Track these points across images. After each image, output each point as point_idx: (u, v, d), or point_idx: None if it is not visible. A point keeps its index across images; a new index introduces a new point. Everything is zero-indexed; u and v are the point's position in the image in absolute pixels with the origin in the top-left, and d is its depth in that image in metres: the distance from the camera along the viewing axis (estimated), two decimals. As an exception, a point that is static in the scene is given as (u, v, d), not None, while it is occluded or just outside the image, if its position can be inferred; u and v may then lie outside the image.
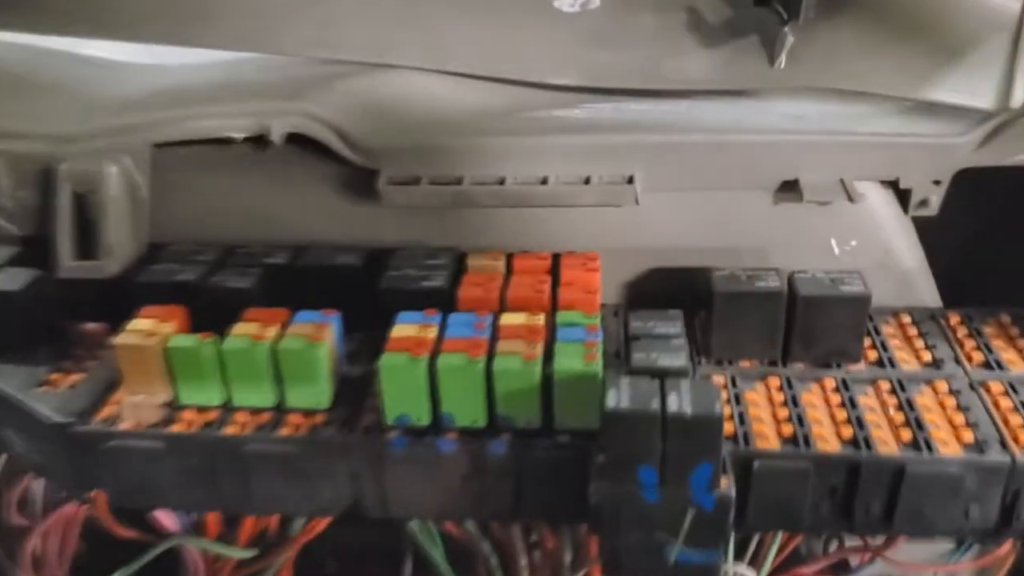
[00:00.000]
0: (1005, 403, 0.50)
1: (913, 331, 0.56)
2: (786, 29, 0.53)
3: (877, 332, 0.55)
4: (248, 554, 0.57)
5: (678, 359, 0.47)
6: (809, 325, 0.52)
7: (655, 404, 0.43)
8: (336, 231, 0.58)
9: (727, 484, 0.44)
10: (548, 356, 0.48)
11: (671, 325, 0.50)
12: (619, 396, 0.44)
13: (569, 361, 0.47)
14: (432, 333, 0.50)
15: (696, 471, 0.43)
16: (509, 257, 0.57)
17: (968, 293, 0.58)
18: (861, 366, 0.53)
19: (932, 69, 0.54)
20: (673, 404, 0.43)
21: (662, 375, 0.45)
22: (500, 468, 0.48)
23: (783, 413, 0.49)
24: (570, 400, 0.47)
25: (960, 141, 0.54)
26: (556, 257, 0.57)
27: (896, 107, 0.54)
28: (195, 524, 0.58)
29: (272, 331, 0.50)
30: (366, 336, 0.56)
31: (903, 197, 0.56)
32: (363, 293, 0.55)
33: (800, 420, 0.49)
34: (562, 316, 0.51)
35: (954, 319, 0.56)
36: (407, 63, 0.59)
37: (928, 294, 0.58)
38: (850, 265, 0.57)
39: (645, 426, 0.43)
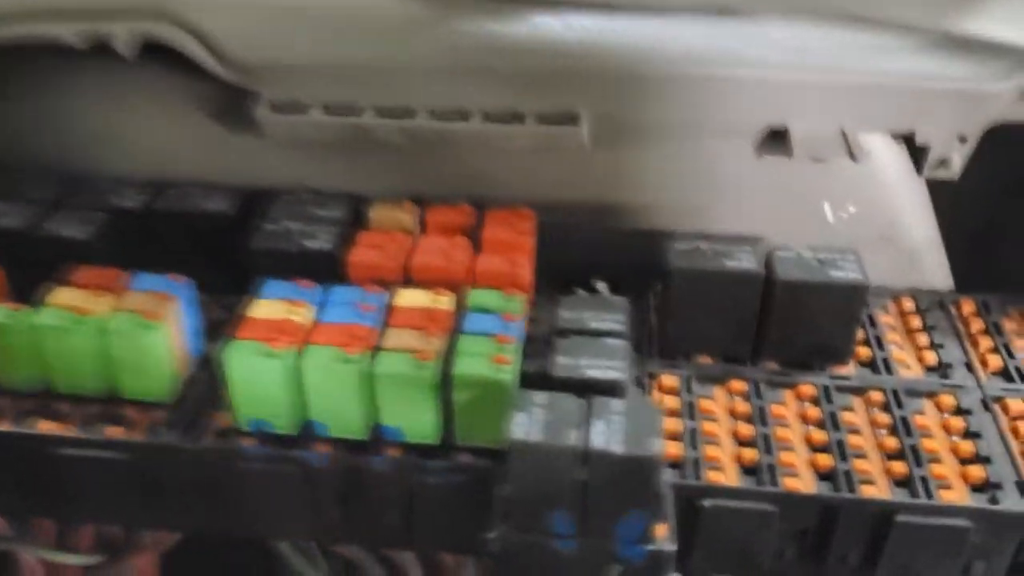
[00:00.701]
0: (1025, 427, 0.39)
1: (916, 322, 0.45)
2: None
3: (872, 322, 0.45)
4: (88, 560, 0.47)
5: (612, 369, 0.36)
6: (788, 317, 0.41)
7: (574, 436, 0.32)
8: (203, 167, 0.47)
9: (664, 534, 0.34)
10: (451, 354, 0.37)
11: (612, 318, 0.39)
12: (529, 422, 0.33)
13: (472, 363, 0.36)
14: (304, 315, 0.39)
15: (624, 520, 0.33)
16: (423, 209, 0.45)
17: (987, 276, 0.47)
18: (849, 368, 0.42)
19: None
20: (598, 437, 0.32)
21: (590, 390, 0.35)
22: (384, 490, 0.38)
23: (746, 431, 0.39)
24: (473, 412, 0.37)
25: (996, 88, 0.42)
26: (480, 210, 0.45)
27: (918, 41, 0.42)
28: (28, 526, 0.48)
29: (103, 302, 0.39)
30: (238, 301, 0.45)
31: (917, 155, 0.44)
32: (234, 247, 0.44)
33: (767, 444, 0.38)
34: (475, 298, 0.40)
35: (967, 307, 0.46)
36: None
37: (938, 274, 0.47)
38: (846, 235, 0.46)
39: (560, 463, 0.32)
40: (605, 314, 0.39)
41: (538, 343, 0.42)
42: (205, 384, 0.40)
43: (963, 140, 0.43)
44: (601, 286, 0.47)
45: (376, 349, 0.37)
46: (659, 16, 0.43)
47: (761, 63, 0.42)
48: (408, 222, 0.45)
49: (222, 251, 0.45)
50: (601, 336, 0.38)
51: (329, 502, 0.39)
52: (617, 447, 0.32)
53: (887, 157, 0.45)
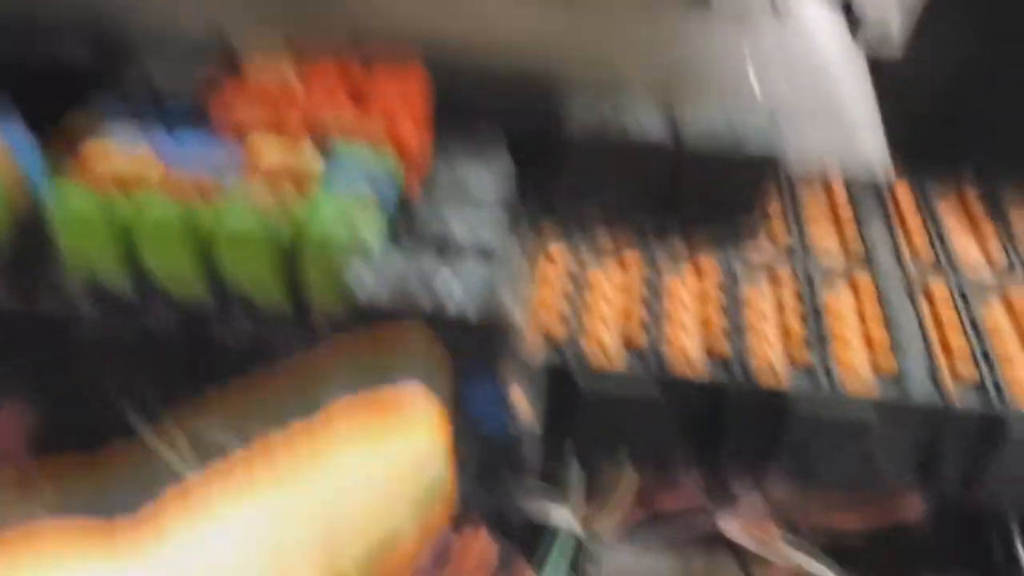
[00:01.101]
0: (948, 316, 0.36)
1: (843, 204, 0.41)
2: None
3: (793, 201, 0.41)
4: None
5: (482, 229, 0.32)
6: (694, 189, 0.37)
7: (422, 295, 0.29)
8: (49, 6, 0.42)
9: (530, 415, 0.31)
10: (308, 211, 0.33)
11: (488, 172, 0.35)
12: (367, 274, 0.29)
13: (327, 216, 0.32)
14: (148, 164, 0.34)
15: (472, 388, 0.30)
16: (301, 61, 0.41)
17: (931, 158, 0.43)
18: (762, 249, 0.38)
19: None
20: (444, 292, 0.29)
21: (450, 250, 0.31)
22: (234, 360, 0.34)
23: (636, 311, 0.35)
24: (328, 277, 0.33)
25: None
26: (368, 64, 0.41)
27: None
28: None
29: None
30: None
31: (856, 25, 0.40)
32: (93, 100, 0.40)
33: (656, 323, 0.35)
34: (343, 152, 0.36)
35: (901, 190, 0.42)
36: None
37: (873, 155, 0.43)
38: (772, 103, 0.41)
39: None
40: (481, 165, 0.35)
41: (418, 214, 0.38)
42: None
43: (904, 11, 0.39)
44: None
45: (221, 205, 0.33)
46: None
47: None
48: (285, 76, 0.40)
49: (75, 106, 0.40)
50: (476, 192, 0.34)
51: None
52: (464, 302, 0.28)
53: (821, 19, 0.40)
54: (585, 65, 0.41)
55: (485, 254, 0.31)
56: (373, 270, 0.30)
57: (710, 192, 0.37)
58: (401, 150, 0.37)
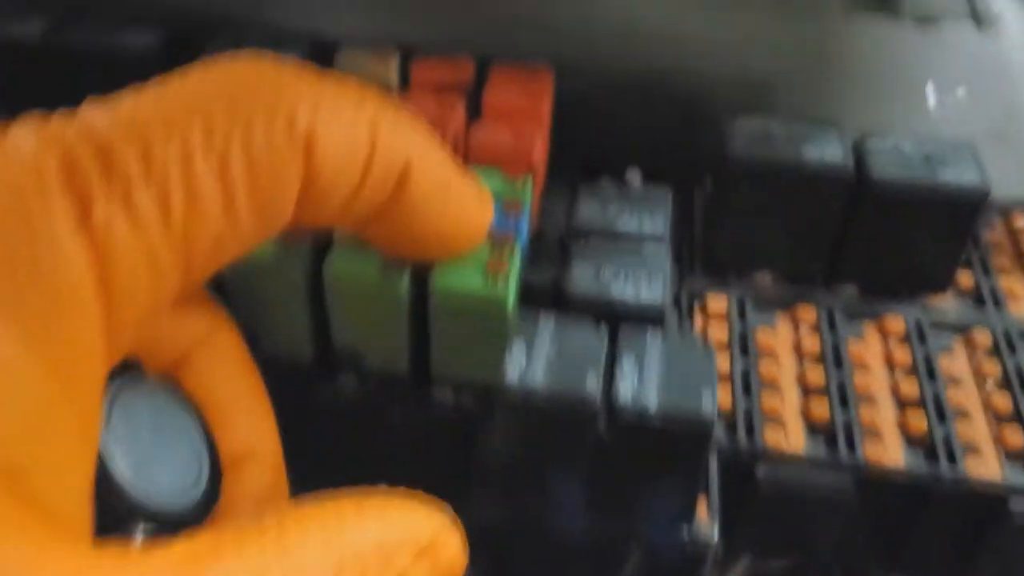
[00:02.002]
0: None
1: (1031, 243, 0.35)
2: None
3: (976, 242, 0.35)
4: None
5: (650, 288, 0.26)
6: (881, 227, 0.31)
7: (592, 385, 0.23)
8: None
9: (707, 518, 0.25)
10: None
11: (649, 214, 0.29)
12: (529, 359, 0.24)
13: (459, 273, 0.26)
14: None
15: (656, 497, 0.24)
16: (405, 59, 0.35)
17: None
18: (947, 299, 0.33)
19: None
20: (625, 385, 0.23)
21: (616, 317, 0.25)
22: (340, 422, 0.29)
23: (816, 377, 0.29)
24: (457, 337, 0.27)
25: None
26: (483, 66, 0.35)
27: None
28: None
29: None
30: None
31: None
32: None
33: (843, 394, 0.29)
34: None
35: (1097, 229, 0.36)
36: None
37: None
38: (950, 123, 0.35)
39: (570, 418, 0.23)
40: (641, 210, 0.29)
41: (548, 245, 0.32)
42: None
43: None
44: (634, 175, 0.37)
45: (327, 242, 0.27)
46: None
47: None
48: (387, 75, 0.35)
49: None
50: (633, 241, 0.28)
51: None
52: (651, 399, 0.23)
53: (1016, 27, 0.34)
54: (745, 76, 0.35)
55: (655, 317, 0.26)
56: (522, 341, 0.24)
57: (901, 231, 0.31)
58: (525, 169, 0.31)
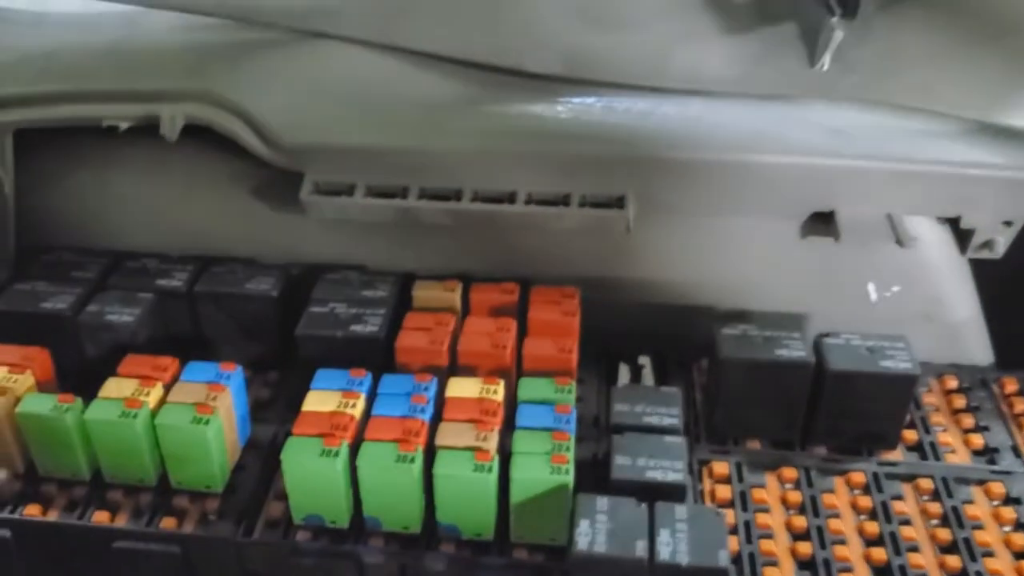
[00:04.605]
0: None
1: (960, 402, 0.45)
2: (834, 20, 0.41)
3: (917, 403, 0.45)
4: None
5: (673, 471, 0.36)
6: (839, 405, 0.41)
7: (640, 547, 0.32)
8: (248, 246, 0.47)
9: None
10: (505, 453, 0.37)
11: (666, 410, 0.39)
12: (592, 531, 0.33)
13: (531, 467, 0.36)
14: (357, 407, 0.38)
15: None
16: (466, 287, 0.45)
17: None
18: (897, 454, 0.42)
19: (1010, 84, 0.42)
20: (664, 548, 0.32)
21: (650, 494, 0.35)
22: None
23: (799, 523, 0.39)
24: (530, 512, 0.36)
25: (1044, 176, 0.42)
26: (525, 287, 0.45)
27: (963, 128, 0.42)
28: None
29: (153, 393, 0.39)
30: (282, 378, 0.46)
31: (962, 236, 0.44)
32: (280, 323, 0.45)
33: (821, 537, 0.38)
34: (526, 387, 0.40)
35: (1010, 386, 0.46)
36: (345, 33, 0.46)
37: (979, 350, 0.47)
38: (889, 314, 0.46)
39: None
40: (660, 407, 0.39)
41: (586, 425, 0.42)
42: (255, 471, 0.41)
43: (1008, 224, 0.43)
44: (644, 360, 0.47)
45: (433, 447, 0.37)
46: (706, 100, 0.44)
47: (808, 149, 0.42)
48: (453, 301, 0.45)
49: (266, 330, 0.45)
50: (657, 433, 0.38)
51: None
52: (683, 558, 0.32)
53: (932, 238, 0.45)
54: (726, 291, 0.45)
55: (680, 494, 0.35)
56: (585, 517, 0.34)
57: (854, 406, 0.41)
58: (565, 372, 0.41)
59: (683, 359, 0.47)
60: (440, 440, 0.37)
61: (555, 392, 0.40)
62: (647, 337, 0.47)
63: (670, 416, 0.38)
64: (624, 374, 0.47)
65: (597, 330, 0.45)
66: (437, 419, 0.38)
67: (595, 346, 0.46)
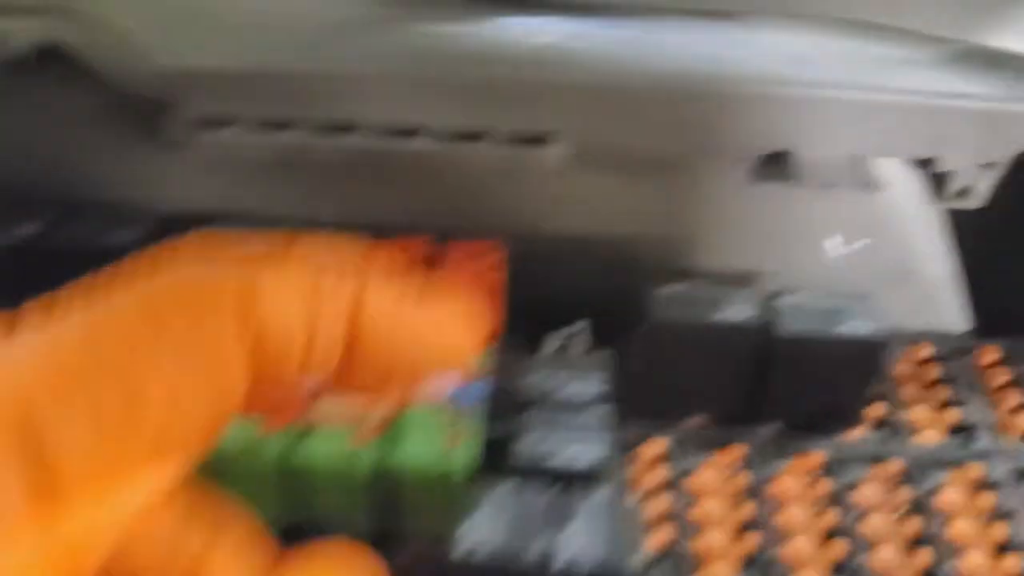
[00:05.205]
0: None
1: (933, 372, 0.39)
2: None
3: (885, 375, 0.39)
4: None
5: (592, 452, 0.30)
6: (792, 375, 0.35)
7: (536, 550, 0.26)
8: (114, 189, 0.40)
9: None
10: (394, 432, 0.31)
11: (591, 379, 0.33)
12: (482, 527, 0.27)
13: (419, 448, 0.30)
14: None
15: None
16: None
17: (1012, 317, 0.41)
18: (861, 432, 0.36)
19: (997, 2, 0.36)
20: (564, 550, 0.26)
21: (564, 481, 0.29)
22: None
23: (744, 513, 0.33)
24: (421, 503, 0.30)
25: (1031, 109, 0.36)
26: (442, 242, 0.39)
27: (940, 53, 0.36)
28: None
29: None
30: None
31: (937, 182, 0.39)
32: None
33: (769, 529, 0.32)
34: (425, 353, 0.34)
35: (989, 355, 0.40)
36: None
37: (955, 314, 0.42)
38: (853, 272, 0.40)
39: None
40: (584, 377, 0.33)
41: (506, 398, 0.36)
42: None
43: (989, 166, 0.37)
44: (578, 327, 0.41)
45: (306, 429, 0.31)
46: (643, 21, 0.37)
47: (758, 77, 0.36)
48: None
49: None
50: (577, 408, 0.32)
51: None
52: (586, 564, 0.26)
53: (901, 183, 0.39)
54: (666, 243, 0.39)
55: (599, 478, 0.29)
56: (475, 509, 0.28)
57: (809, 377, 0.35)
58: (482, 340, 0.35)
59: (624, 325, 0.41)
60: (317, 415, 0.31)
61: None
62: (583, 301, 0.41)
63: (594, 387, 0.32)
64: (553, 343, 0.40)
65: (527, 293, 0.39)
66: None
67: (523, 312, 0.40)
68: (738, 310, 0.35)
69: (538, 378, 0.32)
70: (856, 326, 0.34)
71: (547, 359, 0.34)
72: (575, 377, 0.33)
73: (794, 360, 0.35)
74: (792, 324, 0.34)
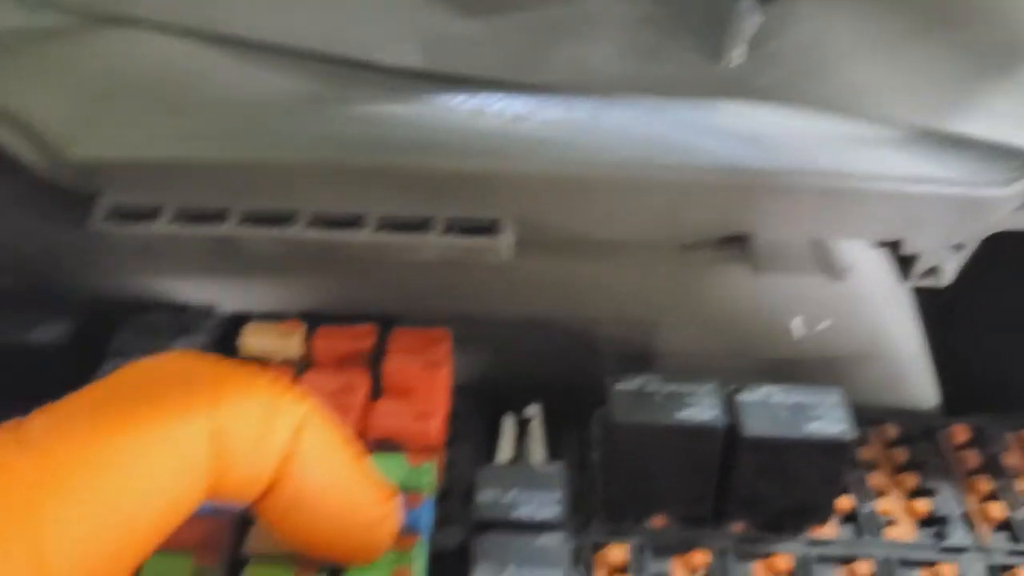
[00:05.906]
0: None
1: (902, 456, 0.38)
2: (748, 3, 0.32)
3: (853, 462, 0.37)
4: None
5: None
6: (758, 476, 0.33)
7: None
8: (36, 279, 0.38)
9: None
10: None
11: (544, 497, 0.31)
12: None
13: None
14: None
15: None
16: (310, 329, 0.37)
17: (981, 394, 0.40)
18: (831, 530, 0.35)
19: (959, 83, 0.34)
20: None
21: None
22: None
23: (711, 626, 0.31)
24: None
25: (997, 194, 0.35)
26: (385, 329, 0.37)
27: (904, 136, 0.35)
28: None
29: None
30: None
31: (904, 262, 0.37)
32: (72, 380, 0.36)
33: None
34: (380, 460, 0.32)
35: (960, 435, 0.39)
36: (148, 16, 0.36)
37: (923, 392, 0.40)
38: (819, 353, 0.39)
39: None
40: (537, 494, 0.31)
41: (455, 499, 0.34)
42: None
43: (959, 248, 0.36)
44: (533, 411, 0.39)
45: (239, 557, 0.28)
46: (594, 101, 0.35)
47: (715, 159, 0.35)
48: (291, 349, 0.36)
49: (57, 388, 0.36)
50: (531, 529, 0.30)
51: None
52: None
53: (870, 264, 0.38)
54: (626, 326, 0.37)
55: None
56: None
57: (775, 480, 0.33)
58: (427, 448, 0.33)
59: (580, 408, 0.39)
60: (248, 547, 0.29)
61: (407, 474, 0.31)
62: (537, 385, 0.39)
63: (548, 506, 0.30)
64: (508, 429, 0.39)
65: (478, 377, 0.37)
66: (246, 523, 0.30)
67: (476, 395, 0.38)
68: (700, 410, 0.33)
69: (486, 498, 0.31)
70: (822, 426, 0.33)
71: (495, 474, 0.32)
72: (528, 495, 0.31)
73: (760, 461, 0.33)
74: (757, 425, 0.33)
